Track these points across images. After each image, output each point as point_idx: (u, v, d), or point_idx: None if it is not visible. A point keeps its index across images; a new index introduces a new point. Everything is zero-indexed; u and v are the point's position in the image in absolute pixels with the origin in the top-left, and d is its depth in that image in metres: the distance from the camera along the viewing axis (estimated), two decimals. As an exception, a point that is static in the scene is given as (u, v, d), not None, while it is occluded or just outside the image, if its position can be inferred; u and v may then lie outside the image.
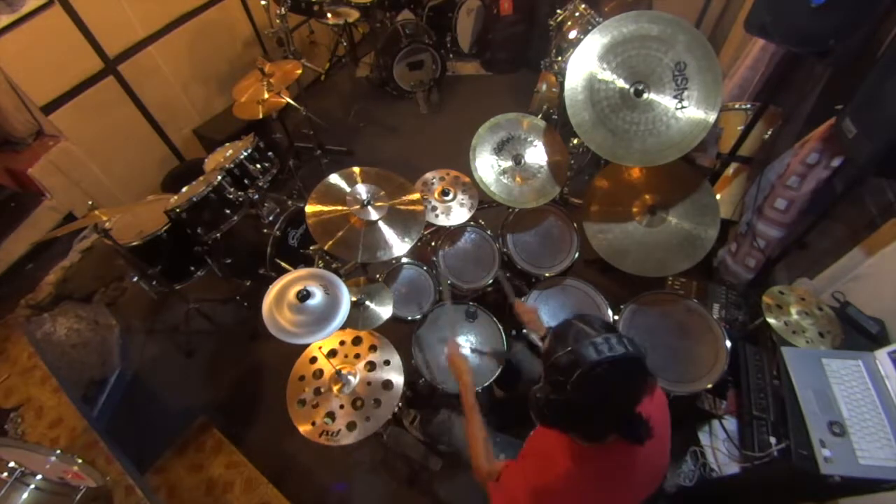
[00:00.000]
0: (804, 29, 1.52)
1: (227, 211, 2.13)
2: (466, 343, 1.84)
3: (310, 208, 1.68)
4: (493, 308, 1.92)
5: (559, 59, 2.36)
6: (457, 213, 2.01)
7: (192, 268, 2.34)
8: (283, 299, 1.48)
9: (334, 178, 1.78)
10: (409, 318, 1.87)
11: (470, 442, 1.30)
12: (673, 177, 1.81)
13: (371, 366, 1.51)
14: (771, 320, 1.61)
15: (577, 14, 2.33)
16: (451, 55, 4.08)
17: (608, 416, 0.94)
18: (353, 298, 1.66)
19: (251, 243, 2.31)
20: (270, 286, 1.51)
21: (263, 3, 2.85)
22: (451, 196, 2.04)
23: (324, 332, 1.43)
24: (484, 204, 2.08)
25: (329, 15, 3.28)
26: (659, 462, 1.12)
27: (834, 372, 1.46)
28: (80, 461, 1.44)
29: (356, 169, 1.82)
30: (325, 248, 1.62)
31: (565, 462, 1.03)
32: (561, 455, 1.04)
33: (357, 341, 1.58)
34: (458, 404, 1.74)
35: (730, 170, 2.28)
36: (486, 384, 1.71)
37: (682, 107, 1.59)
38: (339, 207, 1.71)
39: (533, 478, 1.07)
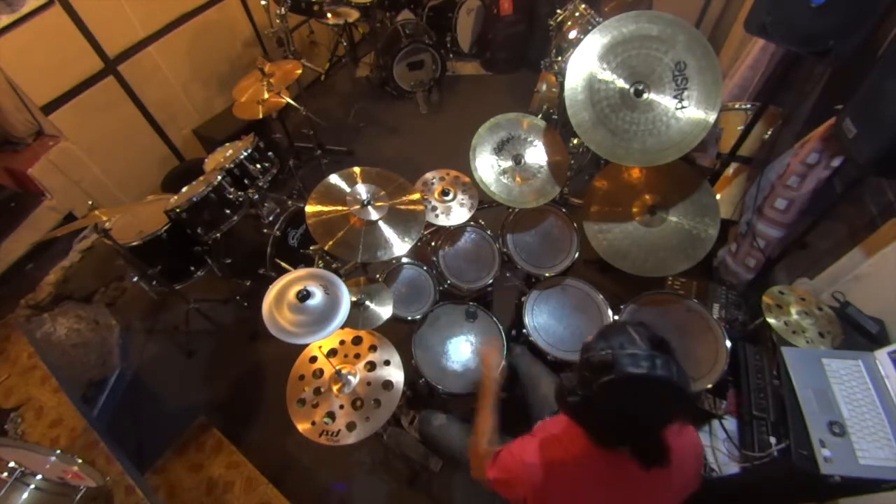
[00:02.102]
0: (804, 29, 1.52)
1: (227, 211, 2.13)
2: (468, 343, 1.84)
3: (310, 208, 1.68)
4: (493, 308, 1.92)
5: (559, 59, 2.36)
6: (457, 213, 2.00)
7: (192, 268, 2.34)
8: (283, 299, 1.48)
9: (334, 179, 1.78)
10: (409, 318, 1.87)
11: (478, 422, 1.29)
12: (673, 177, 1.81)
13: (371, 366, 1.51)
14: (771, 320, 1.61)
15: (577, 14, 2.33)
16: (451, 55, 4.09)
17: (624, 429, 0.91)
18: (353, 298, 1.66)
19: (251, 243, 2.31)
20: (270, 286, 1.50)
21: (263, 3, 2.85)
22: (451, 196, 2.04)
23: (324, 332, 1.43)
24: (484, 204, 2.08)
25: (329, 15, 3.28)
26: (679, 481, 1.06)
27: (834, 372, 1.46)
28: (80, 461, 1.44)
29: (356, 169, 1.82)
30: (326, 248, 1.62)
31: (582, 449, 1.01)
32: (579, 442, 1.01)
33: (357, 341, 1.58)
34: (455, 407, 1.74)
35: (730, 170, 2.28)
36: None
37: (682, 107, 1.59)
38: (339, 207, 1.71)
39: (544, 453, 1.05)
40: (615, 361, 0.84)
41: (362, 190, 1.75)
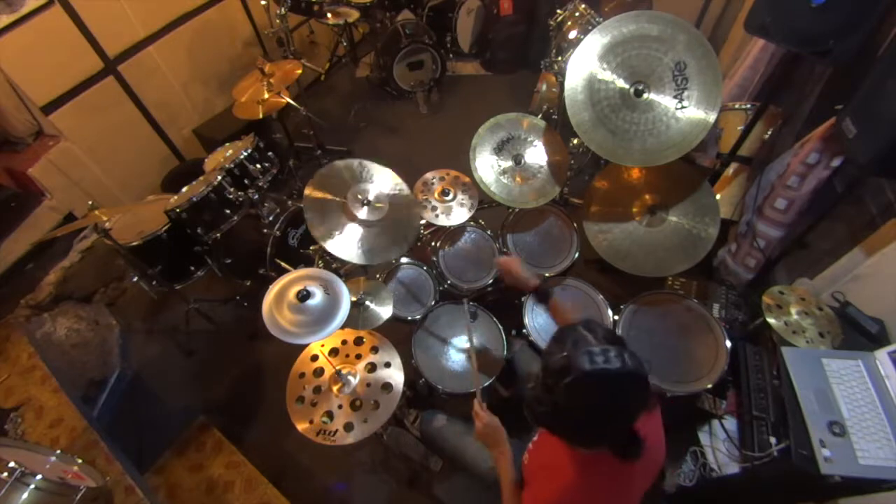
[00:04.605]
0: (804, 29, 1.52)
1: (227, 211, 2.13)
2: (468, 343, 1.84)
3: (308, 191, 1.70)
4: (493, 308, 1.92)
5: (559, 59, 2.36)
6: (457, 213, 2.00)
7: (192, 268, 2.34)
8: (283, 299, 1.48)
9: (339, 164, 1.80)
10: (409, 318, 1.87)
11: (499, 469, 1.27)
12: (673, 177, 1.81)
13: (371, 367, 1.51)
14: (771, 320, 1.61)
15: (577, 14, 2.33)
16: (451, 55, 4.08)
17: (596, 428, 0.92)
18: (353, 298, 1.66)
19: (251, 243, 2.31)
20: (270, 286, 1.51)
21: (263, 3, 2.85)
22: (451, 196, 2.04)
23: (324, 332, 1.43)
24: (484, 204, 2.08)
25: (329, 15, 3.28)
26: (656, 458, 1.12)
27: (834, 372, 1.46)
28: (80, 461, 1.44)
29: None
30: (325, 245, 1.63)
31: (570, 471, 1.03)
32: (565, 464, 1.04)
33: (359, 341, 1.58)
34: (455, 407, 1.74)
35: (730, 170, 2.28)
36: (486, 384, 1.71)
37: (683, 107, 1.59)
38: (337, 198, 1.71)
39: (542, 495, 1.07)
40: (572, 362, 0.86)
41: (371, 189, 1.76)
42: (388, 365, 1.51)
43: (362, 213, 1.72)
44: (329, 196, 1.72)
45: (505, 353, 1.79)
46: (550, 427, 0.98)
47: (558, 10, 2.48)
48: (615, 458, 0.97)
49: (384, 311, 1.72)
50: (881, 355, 1.46)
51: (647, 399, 0.90)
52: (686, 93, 1.58)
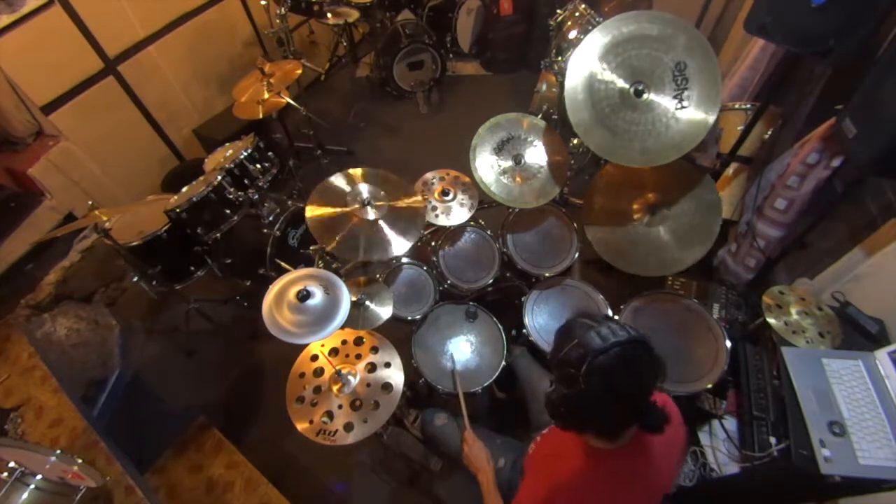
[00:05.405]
0: (804, 29, 1.52)
1: (227, 211, 2.13)
2: (468, 343, 1.84)
3: (310, 210, 1.69)
4: (494, 308, 1.92)
5: (559, 59, 2.36)
6: (457, 213, 2.00)
7: (192, 268, 2.34)
8: (283, 299, 1.47)
9: (336, 179, 1.78)
10: (409, 318, 1.87)
11: None
12: (673, 176, 1.81)
13: (371, 367, 1.51)
14: (771, 320, 1.61)
15: (577, 14, 2.33)
16: (451, 55, 4.08)
17: (623, 404, 0.94)
18: (353, 298, 1.66)
19: (251, 243, 2.31)
20: (270, 286, 1.51)
21: (263, 3, 2.85)
22: (451, 196, 2.04)
23: (324, 332, 1.43)
24: (484, 204, 2.08)
25: (329, 15, 3.28)
26: (671, 465, 1.13)
27: (834, 372, 1.46)
28: (80, 461, 1.44)
29: (357, 171, 1.83)
30: (328, 248, 1.63)
31: (579, 461, 1.03)
32: (574, 454, 1.04)
33: (359, 341, 1.58)
34: (457, 404, 1.74)
35: (730, 170, 2.27)
36: (486, 385, 1.71)
37: (683, 107, 1.59)
38: (339, 209, 1.71)
39: (544, 482, 1.07)
40: (586, 346, 0.90)
41: (363, 189, 1.75)
42: (388, 365, 1.51)
43: (371, 214, 1.73)
44: (332, 213, 1.72)
45: (505, 355, 1.79)
46: (580, 425, 0.99)
47: (558, 10, 2.48)
48: (626, 454, 0.98)
49: (384, 311, 1.72)
50: (881, 355, 1.46)
51: (656, 364, 0.93)
52: (686, 93, 1.58)
